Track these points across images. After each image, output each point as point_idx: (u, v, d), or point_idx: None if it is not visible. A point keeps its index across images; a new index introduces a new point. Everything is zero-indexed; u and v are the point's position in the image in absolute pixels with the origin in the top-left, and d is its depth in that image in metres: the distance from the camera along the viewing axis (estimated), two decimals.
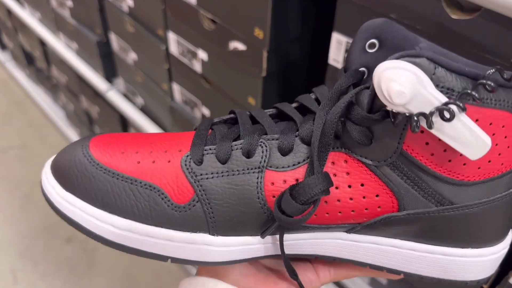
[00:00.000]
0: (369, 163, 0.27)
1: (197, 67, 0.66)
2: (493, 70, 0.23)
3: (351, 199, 0.28)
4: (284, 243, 0.29)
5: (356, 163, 0.27)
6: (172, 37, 0.69)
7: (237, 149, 0.28)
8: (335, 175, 0.27)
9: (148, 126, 0.89)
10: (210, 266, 0.32)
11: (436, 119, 0.23)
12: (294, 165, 0.28)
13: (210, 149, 0.28)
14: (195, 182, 0.28)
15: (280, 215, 0.26)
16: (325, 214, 0.28)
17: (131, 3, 0.75)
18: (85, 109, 1.22)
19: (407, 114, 0.24)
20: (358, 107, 0.26)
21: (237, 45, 0.55)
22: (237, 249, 0.29)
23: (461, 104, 0.22)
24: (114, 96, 0.96)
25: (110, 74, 1.00)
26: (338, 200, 0.28)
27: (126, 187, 0.28)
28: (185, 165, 0.28)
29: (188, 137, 0.30)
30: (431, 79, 0.23)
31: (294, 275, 0.30)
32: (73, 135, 1.44)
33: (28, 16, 1.18)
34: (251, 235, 0.29)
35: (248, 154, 0.28)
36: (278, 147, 0.28)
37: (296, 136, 0.28)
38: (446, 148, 0.25)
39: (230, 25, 0.54)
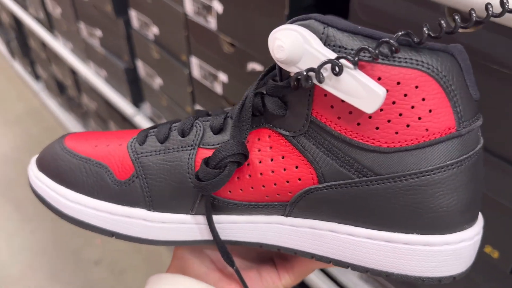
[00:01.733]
0: (287, 134, 0.27)
1: (218, 89, 0.69)
2: (403, 32, 0.23)
3: (272, 172, 0.28)
4: (221, 225, 0.31)
5: (278, 136, 0.28)
6: (194, 61, 0.72)
7: (175, 130, 0.31)
8: (259, 150, 0.28)
9: None
10: (178, 263, 0.34)
11: (326, 74, 0.24)
12: (223, 142, 0.29)
13: (153, 131, 0.32)
14: (135, 159, 0.31)
15: (195, 181, 0.28)
16: (250, 189, 0.29)
17: (156, 31, 0.79)
18: None
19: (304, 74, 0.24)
20: (270, 79, 0.27)
21: (255, 66, 0.57)
22: (173, 226, 0.31)
23: (352, 59, 0.23)
24: (141, 121, 1.00)
25: (137, 99, 1.04)
26: (261, 174, 0.28)
27: (81, 165, 0.32)
28: (130, 146, 0.32)
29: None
30: (320, 38, 0.24)
31: (229, 260, 0.30)
32: None
33: (60, 47, 1.24)
34: (185, 213, 0.31)
35: (183, 133, 0.30)
36: (210, 126, 0.30)
37: (228, 117, 0.30)
38: (352, 110, 0.25)
39: (248, 47, 0.57)
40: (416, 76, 0.24)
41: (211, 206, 0.30)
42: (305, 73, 0.24)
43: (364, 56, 0.24)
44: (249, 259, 0.35)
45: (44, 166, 0.34)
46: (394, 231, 0.26)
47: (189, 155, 0.30)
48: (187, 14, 0.67)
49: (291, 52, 0.24)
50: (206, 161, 0.28)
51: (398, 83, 0.24)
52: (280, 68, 0.26)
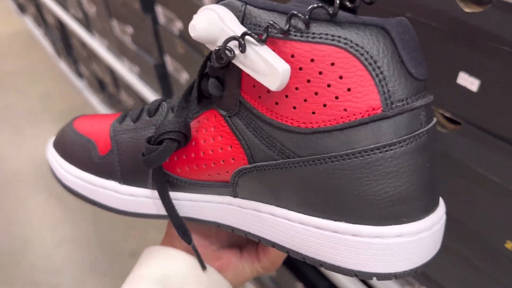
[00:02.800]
0: (224, 114, 0.27)
1: None
2: (317, 5, 0.22)
3: (212, 151, 0.28)
4: (178, 202, 0.32)
5: (219, 117, 0.28)
6: None
7: (146, 110, 0.33)
8: (205, 130, 0.29)
9: None
10: (168, 239, 0.37)
11: (236, 51, 0.23)
12: (158, 120, 0.32)
13: (130, 112, 0.35)
14: (113, 137, 0.34)
15: (139, 156, 0.32)
16: (195, 167, 0.30)
17: (181, 26, 0.80)
18: None
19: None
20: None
21: None
22: (138, 200, 0.33)
23: (256, 36, 0.22)
24: None
25: (167, 95, 1.05)
26: (203, 153, 0.29)
27: (77, 141, 0.36)
28: (113, 125, 0.35)
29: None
30: (237, 16, 0.24)
31: (185, 236, 0.32)
32: None
33: (97, 45, 1.28)
34: (147, 188, 0.34)
35: (149, 114, 0.33)
36: (171, 108, 0.32)
37: (163, 101, 0.33)
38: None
39: None
40: (331, 53, 0.22)
41: (168, 183, 0.32)
42: (217, 50, 0.24)
43: (276, 33, 0.23)
44: (236, 237, 0.37)
45: (56, 142, 0.39)
46: (323, 218, 0.25)
47: (149, 134, 0.32)
48: None
49: (204, 30, 0.24)
50: (149, 138, 0.30)
51: (312, 60, 0.22)
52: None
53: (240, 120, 0.26)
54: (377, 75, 0.22)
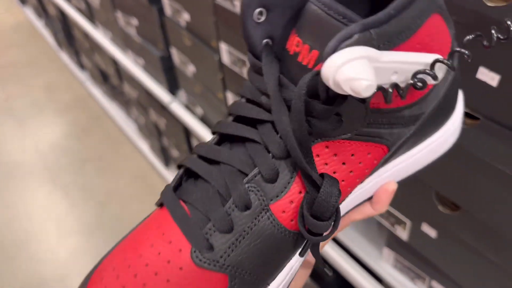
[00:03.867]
0: (348, 136, 0.25)
1: None
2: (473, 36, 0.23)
3: (351, 172, 0.27)
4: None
5: (337, 143, 0.26)
6: (224, 47, 0.71)
7: (232, 210, 0.25)
8: (326, 164, 0.26)
9: (209, 137, 0.92)
10: None
11: (440, 74, 0.23)
12: (289, 183, 0.25)
13: (209, 229, 0.25)
14: (222, 267, 0.25)
15: (313, 238, 0.25)
16: (348, 189, 0.28)
17: (187, 18, 0.79)
18: (154, 122, 1.29)
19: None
20: (314, 101, 0.23)
21: None
22: (287, 279, 0.28)
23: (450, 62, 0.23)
24: (177, 108, 1.01)
25: (173, 87, 1.05)
26: (343, 180, 0.27)
27: None
28: (200, 260, 0.24)
29: (168, 230, 0.26)
30: (373, 45, 0.21)
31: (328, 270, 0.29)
32: (145, 147, 1.52)
33: (101, 37, 1.27)
34: (289, 263, 0.28)
35: (246, 207, 0.25)
36: (264, 180, 0.25)
37: (272, 157, 0.25)
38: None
39: None
40: None
41: None
42: (390, 90, 0.22)
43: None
44: None
45: None
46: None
47: (268, 219, 0.25)
48: (215, 0, 0.66)
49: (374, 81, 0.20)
50: (314, 215, 0.24)
51: None
52: (328, 90, 0.23)
53: (369, 127, 0.25)
54: None
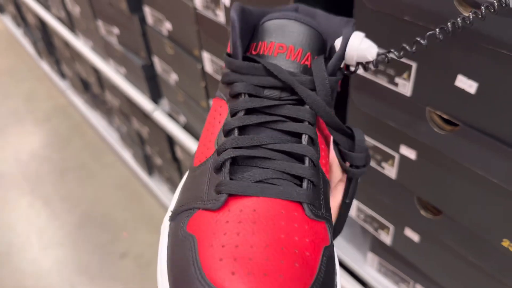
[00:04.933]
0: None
1: None
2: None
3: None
4: None
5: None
6: (206, 56, 0.71)
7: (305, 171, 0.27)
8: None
9: (192, 144, 0.92)
10: None
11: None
12: (318, 142, 0.30)
13: (300, 188, 0.27)
14: (321, 217, 0.27)
15: (356, 171, 0.32)
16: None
17: (169, 27, 0.79)
18: (137, 130, 1.28)
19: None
20: (329, 77, 0.30)
21: None
22: None
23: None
24: (160, 116, 1.00)
25: (155, 95, 1.05)
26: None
27: None
28: (313, 213, 0.26)
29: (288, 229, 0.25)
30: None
31: None
32: (127, 155, 1.50)
33: (82, 46, 1.26)
34: None
35: (314, 165, 0.28)
36: (312, 143, 0.29)
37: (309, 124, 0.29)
38: None
39: None
40: None
41: None
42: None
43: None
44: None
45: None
46: None
47: (320, 171, 0.29)
48: (197, 8, 0.67)
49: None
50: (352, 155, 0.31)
51: None
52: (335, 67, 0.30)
53: None
54: None
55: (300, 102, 0.29)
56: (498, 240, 0.43)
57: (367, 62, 0.30)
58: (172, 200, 0.30)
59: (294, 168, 0.26)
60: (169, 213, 0.29)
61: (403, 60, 0.41)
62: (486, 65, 0.35)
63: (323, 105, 0.29)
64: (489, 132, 0.39)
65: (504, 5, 0.27)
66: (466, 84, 0.38)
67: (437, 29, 0.28)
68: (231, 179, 0.26)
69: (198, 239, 0.24)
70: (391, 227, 0.57)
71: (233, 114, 0.28)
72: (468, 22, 0.28)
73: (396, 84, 0.44)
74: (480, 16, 0.27)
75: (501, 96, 0.36)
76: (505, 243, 0.42)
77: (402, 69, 0.42)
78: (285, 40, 0.30)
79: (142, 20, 0.88)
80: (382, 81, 0.45)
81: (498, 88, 0.36)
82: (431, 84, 0.41)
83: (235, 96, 0.29)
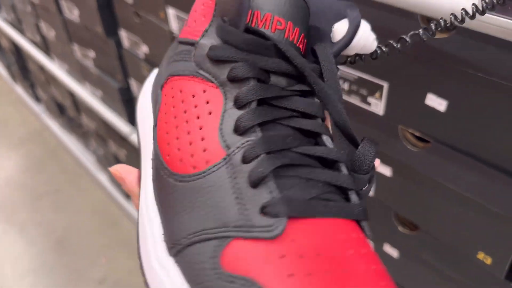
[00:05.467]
0: None
1: None
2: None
3: None
4: None
5: None
6: None
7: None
8: None
9: None
10: None
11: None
12: None
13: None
14: None
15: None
16: None
17: (146, 50, 0.80)
18: (114, 153, 1.27)
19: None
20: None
21: None
22: None
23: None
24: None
25: (132, 118, 1.04)
26: None
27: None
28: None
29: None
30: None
31: None
32: (104, 179, 1.48)
33: (57, 69, 1.25)
34: None
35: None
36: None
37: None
38: None
39: None
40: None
41: None
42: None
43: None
44: None
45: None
46: None
47: None
48: (173, 32, 0.67)
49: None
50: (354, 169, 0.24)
51: None
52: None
53: None
54: None
55: (306, 93, 0.24)
56: (473, 253, 0.44)
57: (364, 55, 0.28)
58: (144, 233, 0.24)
59: (338, 178, 0.22)
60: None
61: (375, 80, 0.42)
62: (455, 84, 0.37)
63: (335, 101, 0.24)
64: (459, 148, 0.40)
65: (459, 21, 0.27)
66: (436, 102, 0.39)
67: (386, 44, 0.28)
68: (283, 196, 0.20)
69: (263, 284, 0.18)
70: (371, 243, 0.57)
71: (241, 105, 0.22)
72: (419, 38, 0.28)
73: (368, 104, 0.45)
74: (430, 33, 0.27)
75: (469, 113, 0.37)
76: (480, 255, 0.43)
77: (374, 88, 0.43)
78: (283, 14, 0.23)
79: (118, 43, 0.89)
80: (355, 100, 0.46)
81: (466, 106, 0.37)
82: (402, 103, 0.42)
83: (237, 80, 0.23)
